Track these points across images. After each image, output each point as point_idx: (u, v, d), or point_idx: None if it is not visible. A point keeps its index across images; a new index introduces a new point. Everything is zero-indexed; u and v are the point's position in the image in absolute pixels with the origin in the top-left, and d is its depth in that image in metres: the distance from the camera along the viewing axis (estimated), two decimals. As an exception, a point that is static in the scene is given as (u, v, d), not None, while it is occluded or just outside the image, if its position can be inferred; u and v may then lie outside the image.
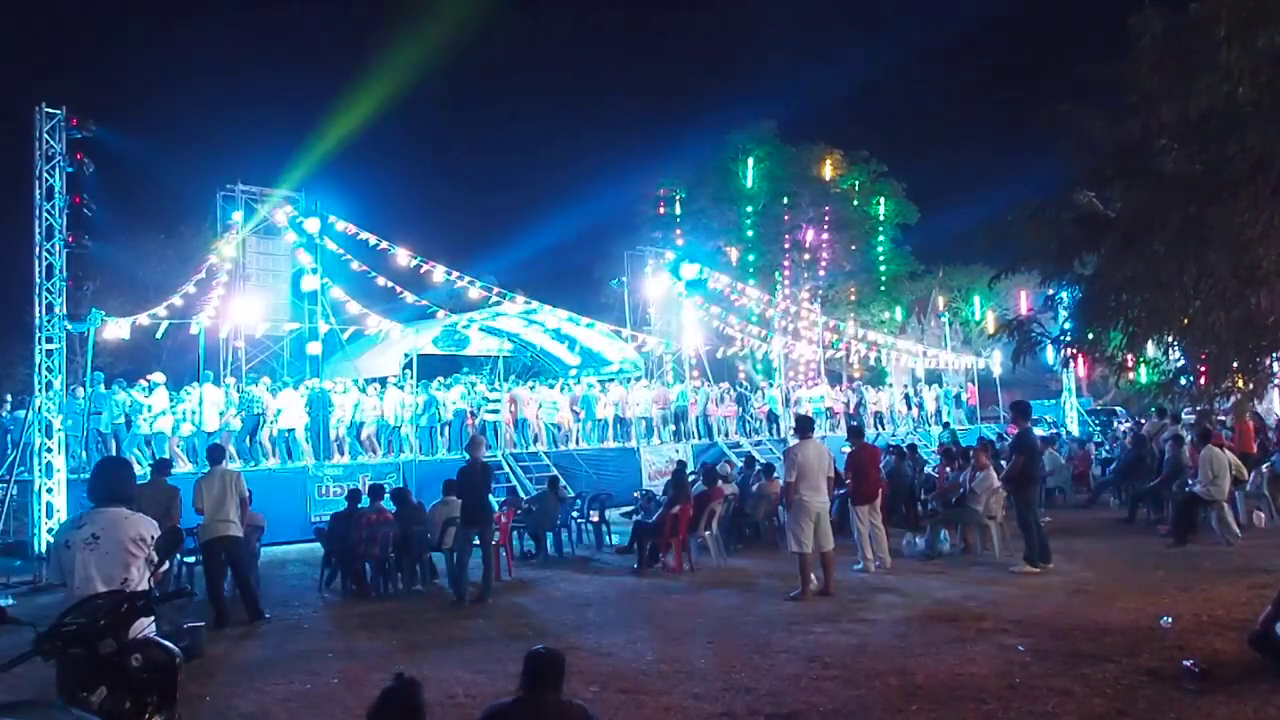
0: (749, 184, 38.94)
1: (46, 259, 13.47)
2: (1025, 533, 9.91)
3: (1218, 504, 11.04)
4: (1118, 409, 31.49)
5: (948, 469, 13.51)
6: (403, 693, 3.29)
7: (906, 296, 41.21)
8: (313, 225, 17.59)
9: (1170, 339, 8.51)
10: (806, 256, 38.90)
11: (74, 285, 14.13)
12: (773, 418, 23.44)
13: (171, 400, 15.60)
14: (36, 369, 13.51)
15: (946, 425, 24.69)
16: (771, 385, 25.72)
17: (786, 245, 38.64)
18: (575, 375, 23.12)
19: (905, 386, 28.38)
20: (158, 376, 15.59)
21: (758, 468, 14.65)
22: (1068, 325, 8.85)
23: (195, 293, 17.62)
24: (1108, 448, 19.97)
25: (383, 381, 18.28)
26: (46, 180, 13.48)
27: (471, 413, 18.57)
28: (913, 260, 41.27)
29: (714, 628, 7.81)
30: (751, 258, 38.43)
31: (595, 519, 14.01)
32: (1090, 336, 8.70)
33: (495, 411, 18.63)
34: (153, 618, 3.71)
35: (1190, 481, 11.43)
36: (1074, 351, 8.67)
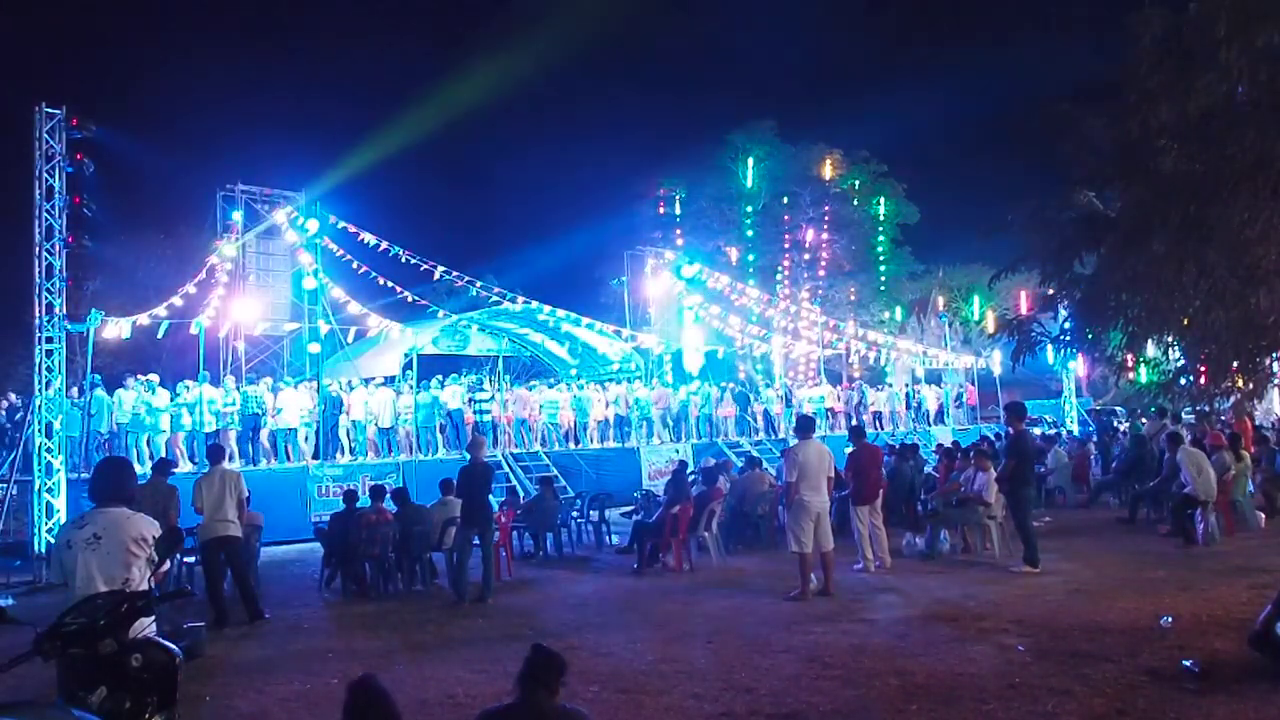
0: (749, 184, 38.96)
1: (46, 259, 13.47)
2: (1023, 533, 9.92)
3: (1205, 503, 11.07)
4: (1118, 409, 31.46)
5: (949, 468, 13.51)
6: (362, 694, 3.33)
7: (906, 296, 41.22)
8: (313, 225, 17.59)
9: (1170, 339, 8.50)
10: (806, 256, 38.92)
11: (74, 285, 14.12)
12: (769, 417, 23.41)
13: (171, 399, 15.60)
14: (36, 369, 13.52)
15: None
16: (770, 385, 25.70)
17: (786, 245, 38.68)
18: (575, 375, 23.13)
19: (905, 386, 28.38)
20: (153, 377, 15.60)
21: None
22: (1068, 325, 8.84)
23: (195, 293, 17.63)
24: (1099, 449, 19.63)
25: (389, 380, 18.28)
26: (46, 180, 13.48)
27: (471, 412, 18.56)
28: (913, 260, 41.27)
29: (714, 628, 7.79)
30: (751, 258, 38.46)
31: (595, 519, 14.02)
32: (1090, 336, 8.70)
33: (487, 411, 18.59)
34: (153, 618, 3.70)
35: (1186, 481, 11.43)
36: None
